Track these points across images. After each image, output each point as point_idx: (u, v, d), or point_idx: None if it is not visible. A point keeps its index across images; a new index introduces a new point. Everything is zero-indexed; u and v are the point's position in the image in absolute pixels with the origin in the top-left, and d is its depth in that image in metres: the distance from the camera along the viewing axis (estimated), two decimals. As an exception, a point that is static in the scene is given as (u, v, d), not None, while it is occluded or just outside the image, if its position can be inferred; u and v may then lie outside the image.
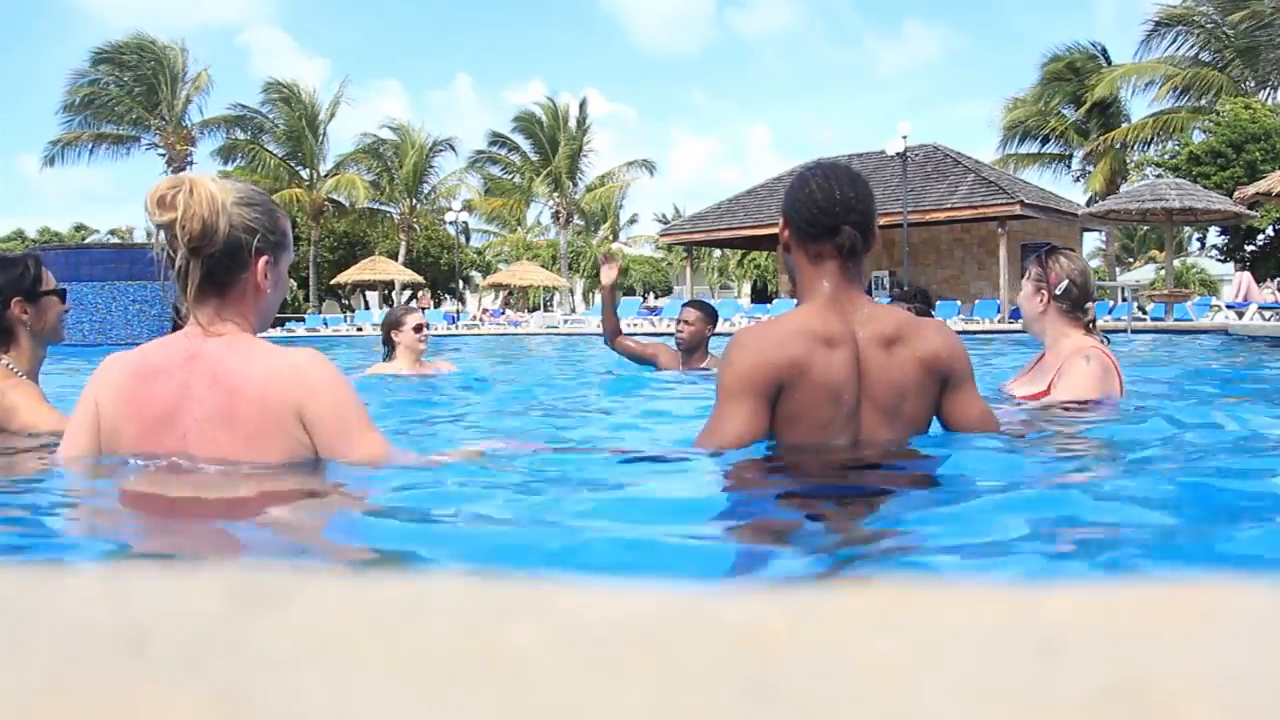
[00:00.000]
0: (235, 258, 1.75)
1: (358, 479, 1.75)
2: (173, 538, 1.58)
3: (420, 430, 3.14)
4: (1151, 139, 28.31)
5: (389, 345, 5.11)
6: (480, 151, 39.33)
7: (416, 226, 38.83)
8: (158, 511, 1.67)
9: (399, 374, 5.00)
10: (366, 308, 36.48)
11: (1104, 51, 30.51)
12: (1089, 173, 30.76)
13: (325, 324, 26.92)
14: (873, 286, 25.49)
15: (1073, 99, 30.74)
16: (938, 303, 16.40)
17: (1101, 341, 2.89)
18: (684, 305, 5.63)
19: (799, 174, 2.11)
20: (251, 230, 1.76)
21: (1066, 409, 2.69)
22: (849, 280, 2.02)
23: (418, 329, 5.06)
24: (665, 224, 47.31)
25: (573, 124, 38.32)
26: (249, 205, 1.78)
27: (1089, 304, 2.88)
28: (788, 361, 1.91)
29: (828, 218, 1.99)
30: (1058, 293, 2.85)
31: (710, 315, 5.47)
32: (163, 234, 1.73)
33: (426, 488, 1.82)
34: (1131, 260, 48.85)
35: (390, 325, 5.13)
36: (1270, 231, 24.99)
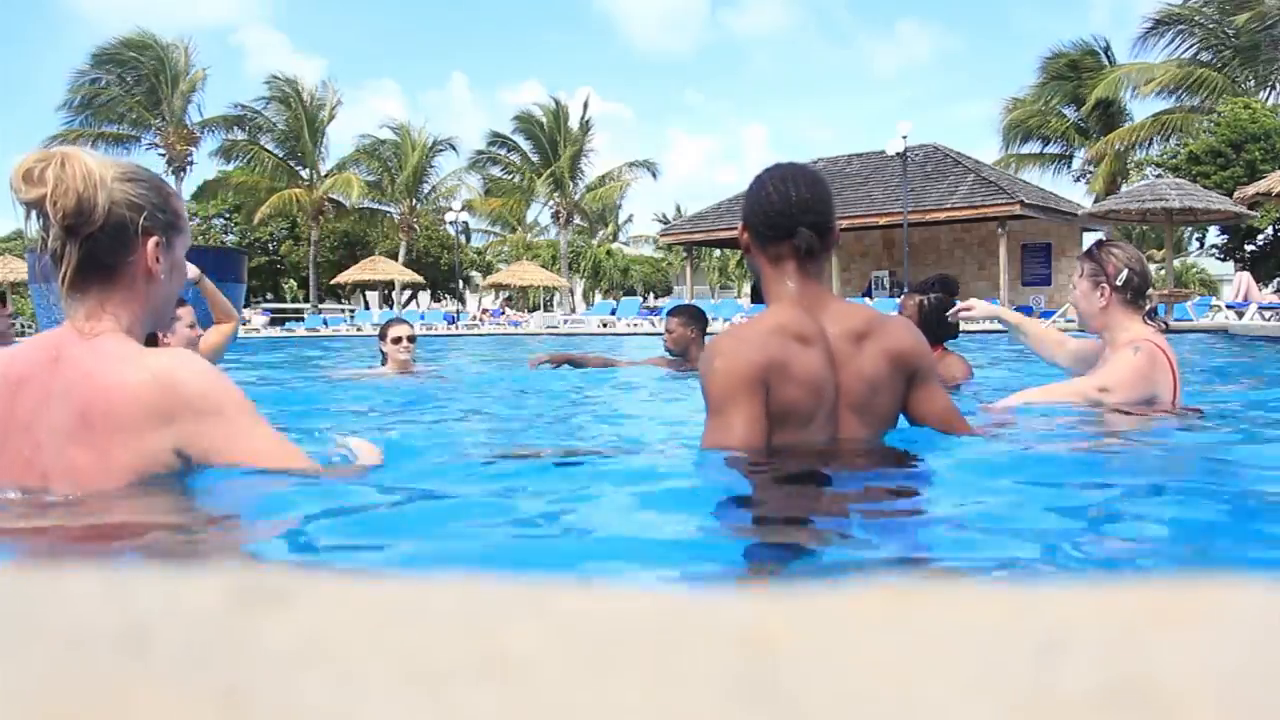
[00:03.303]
0: (119, 238, 1.56)
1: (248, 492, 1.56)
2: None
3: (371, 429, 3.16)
4: (1151, 139, 28.30)
5: (382, 352, 5.54)
6: (480, 152, 39.34)
7: (416, 226, 38.83)
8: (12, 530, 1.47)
9: (382, 377, 5.36)
10: (366, 308, 36.48)
11: (1106, 49, 30.50)
12: (1090, 173, 30.76)
13: (325, 324, 26.92)
14: (873, 286, 25.50)
15: (1072, 99, 30.73)
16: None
17: (1160, 331, 2.81)
18: (667, 314, 5.73)
19: (756, 177, 2.12)
20: (137, 207, 1.57)
21: (1098, 406, 2.62)
22: (811, 279, 2.05)
23: (395, 340, 5.39)
24: (665, 224, 47.28)
25: (574, 124, 38.30)
26: (133, 181, 1.59)
27: (1149, 291, 2.80)
28: (769, 360, 1.91)
29: (784, 219, 2.01)
30: (1119, 283, 2.78)
31: (693, 318, 5.47)
32: (35, 217, 1.54)
33: (422, 489, 1.81)
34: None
35: (380, 335, 5.55)
36: (1270, 231, 24.99)
